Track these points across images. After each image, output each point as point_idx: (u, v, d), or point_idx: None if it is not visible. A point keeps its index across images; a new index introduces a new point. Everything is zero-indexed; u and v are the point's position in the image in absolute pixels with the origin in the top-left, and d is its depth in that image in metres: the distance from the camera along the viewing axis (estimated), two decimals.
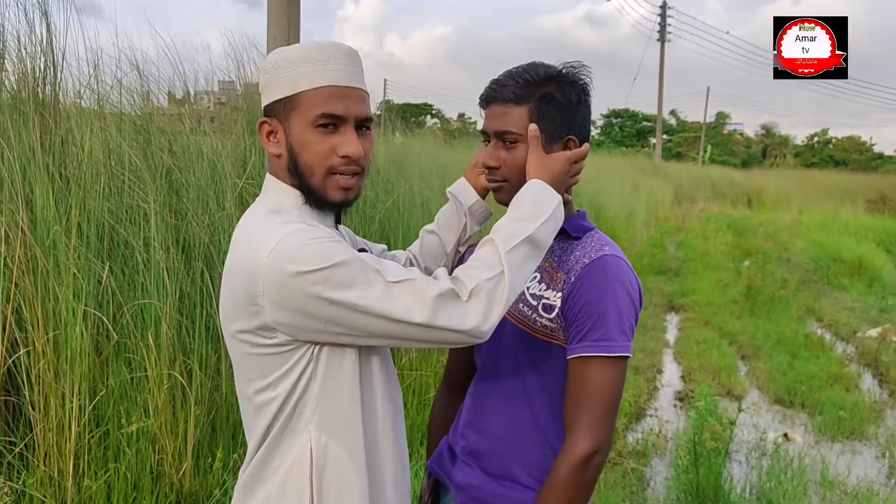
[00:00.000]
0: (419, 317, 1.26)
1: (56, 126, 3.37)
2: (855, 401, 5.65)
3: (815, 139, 65.01)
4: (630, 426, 5.11)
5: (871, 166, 52.46)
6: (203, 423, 3.20)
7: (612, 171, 17.60)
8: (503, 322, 1.59)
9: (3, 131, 3.07)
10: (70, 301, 2.79)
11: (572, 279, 1.50)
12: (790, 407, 5.72)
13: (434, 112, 48.04)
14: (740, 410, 4.69)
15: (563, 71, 1.55)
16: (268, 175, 1.45)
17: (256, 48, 5.08)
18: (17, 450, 2.71)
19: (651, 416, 5.43)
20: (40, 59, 3.44)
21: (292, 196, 1.41)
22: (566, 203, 1.60)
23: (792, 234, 16.43)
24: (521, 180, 1.52)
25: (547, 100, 1.52)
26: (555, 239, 1.59)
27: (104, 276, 3.01)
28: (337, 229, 1.48)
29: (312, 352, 1.32)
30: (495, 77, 1.57)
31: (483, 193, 1.73)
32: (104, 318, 2.94)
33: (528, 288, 1.57)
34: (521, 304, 1.57)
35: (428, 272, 1.38)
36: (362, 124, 1.39)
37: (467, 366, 1.77)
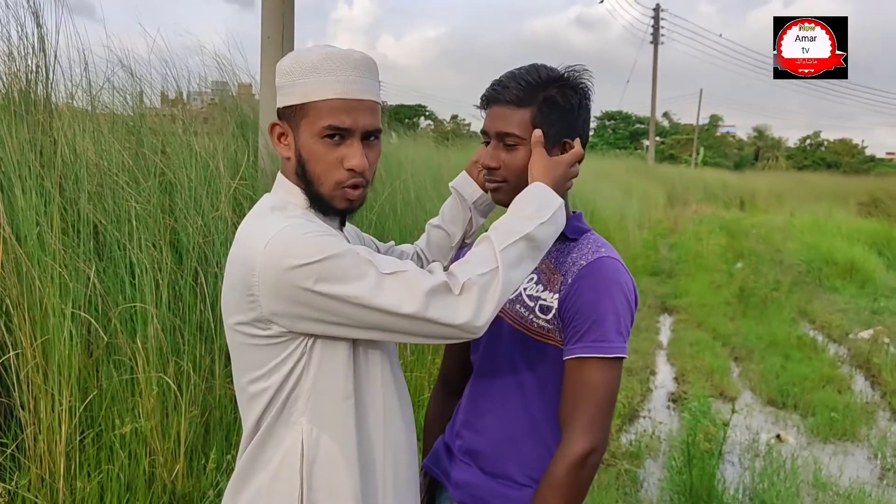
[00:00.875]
0: (410, 308, 1.27)
1: (48, 126, 3.35)
2: (847, 402, 5.67)
3: (808, 141, 65.30)
4: (623, 427, 5.12)
5: (862, 169, 52.66)
6: (196, 424, 3.19)
7: (605, 173, 17.62)
8: (500, 322, 1.60)
9: None
10: (57, 303, 2.77)
11: (569, 281, 1.51)
12: (783, 408, 5.74)
13: (428, 113, 48.05)
14: (734, 412, 4.71)
15: (566, 74, 1.55)
16: (279, 174, 1.49)
17: (250, 48, 5.08)
18: (9, 451, 2.69)
19: (644, 417, 5.44)
20: (32, 58, 3.42)
21: (298, 196, 1.44)
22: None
23: (784, 236, 16.48)
24: (520, 182, 1.52)
25: (549, 103, 1.53)
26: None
27: (92, 278, 2.99)
28: (342, 231, 1.50)
29: (306, 345, 1.34)
30: (497, 78, 1.58)
31: (486, 188, 1.73)
32: (92, 320, 2.93)
33: (524, 289, 1.58)
34: (517, 305, 1.58)
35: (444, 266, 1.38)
36: (370, 135, 1.41)
37: (463, 365, 1.77)
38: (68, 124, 3.55)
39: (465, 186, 1.76)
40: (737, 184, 34.40)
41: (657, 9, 35.83)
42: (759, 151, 62.93)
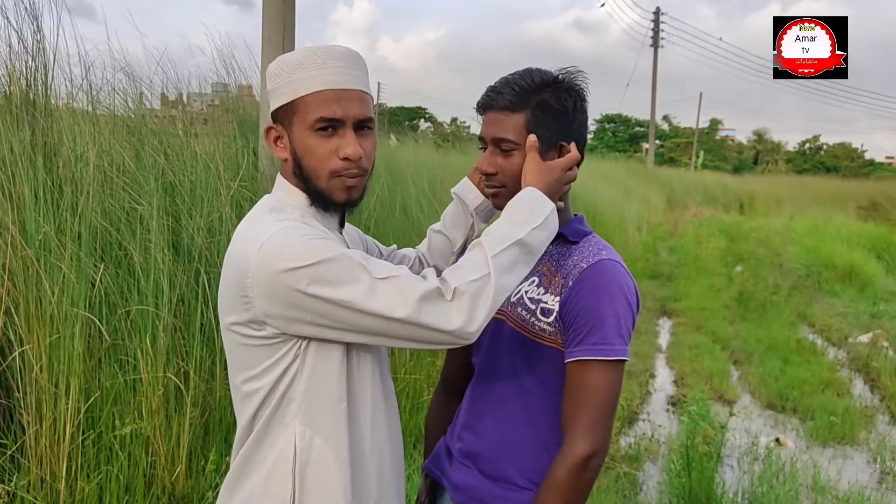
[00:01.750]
0: (402, 313, 1.27)
1: (48, 127, 3.35)
2: (846, 406, 5.67)
3: (807, 145, 65.31)
4: (623, 430, 5.12)
5: (862, 173, 52.70)
6: (196, 425, 3.19)
7: (604, 176, 17.63)
8: (501, 325, 1.60)
9: None
10: (63, 303, 2.78)
11: (570, 283, 1.51)
12: (782, 412, 5.74)
13: (427, 116, 48.07)
14: (731, 414, 4.71)
15: (560, 77, 1.56)
16: (278, 176, 1.49)
17: (250, 49, 5.09)
18: (10, 452, 2.69)
19: (644, 420, 5.43)
20: (31, 60, 3.42)
21: (297, 197, 1.44)
22: (561, 209, 1.60)
23: (784, 239, 16.49)
24: (518, 187, 1.53)
25: (543, 107, 1.53)
26: (552, 243, 1.60)
27: (97, 279, 3.00)
28: (341, 233, 1.50)
29: (300, 347, 1.35)
30: (492, 84, 1.58)
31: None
32: (97, 321, 2.93)
33: (525, 292, 1.58)
34: (519, 308, 1.58)
35: (438, 271, 1.38)
36: (363, 125, 1.41)
37: (464, 368, 1.77)
38: (68, 126, 3.55)
39: (467, 192, 1.76)
40: (736, 187, 34.41)
41: (657, 12, 35.87)
42: (758, 155, 62.94)
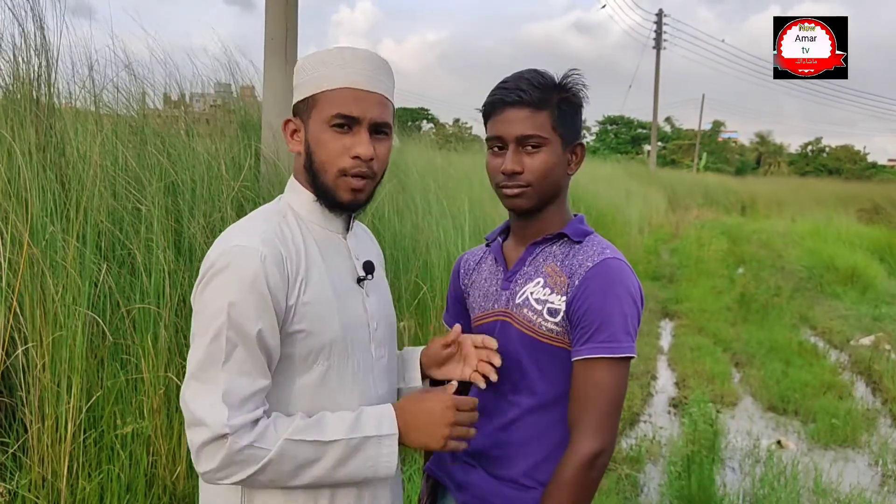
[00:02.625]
0: (189, 416, 1.29)
1: (51, 127, 3.36)
2: (848, 409, 5.66)
3: (809, 148, 65.24)
4: (624, 432, 5.12)
5: (864, 175, 52.66)
6: None
7: (606, 178, 17.64)
8: (507, 327, 1.61)
9: None
10: (68, 302, 2.78)
11: (576, 283, 1.52)
12: (783, 414, 5.73)
13: (430, 117, 48.05)
14: (718, 412, 4.68)
15: (569, 78, 1.58)
16: (290, 177, 1.50)
17: (251, 50, 5.09)
18: (12, 451, 2.69)
19: (645, 421, 5.43)
20: (34, 59, 3.43)
21: (304, 196, 1.45)
22: (561, 212, 1.61)
23: (786, 241, 16.48)
24: (543, 185, 1.55)
25: (565, 105, 1.56)
26: (557, 243, 1.61)
27: (101, 278, 3.00)
28: (345, 237, 1.50)
29: None
30: (503, 82, 1.58)
31: (440, 364, 1.63)
32: (100, 320, 2.93)
33: (531, 293, 1.59)
34: (525, 309, 1.58)
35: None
36: (379, 129, 1.41)
37: None
38: (71, 125, 3.56)
39: (410, 370, 1.66)
40: (738, 189, 34.40)
41: (660, 14, 35.87)
42: (760, 157, 62.89)
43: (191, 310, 1.35)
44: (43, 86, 3.46)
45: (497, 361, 1.53)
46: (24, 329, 2.74)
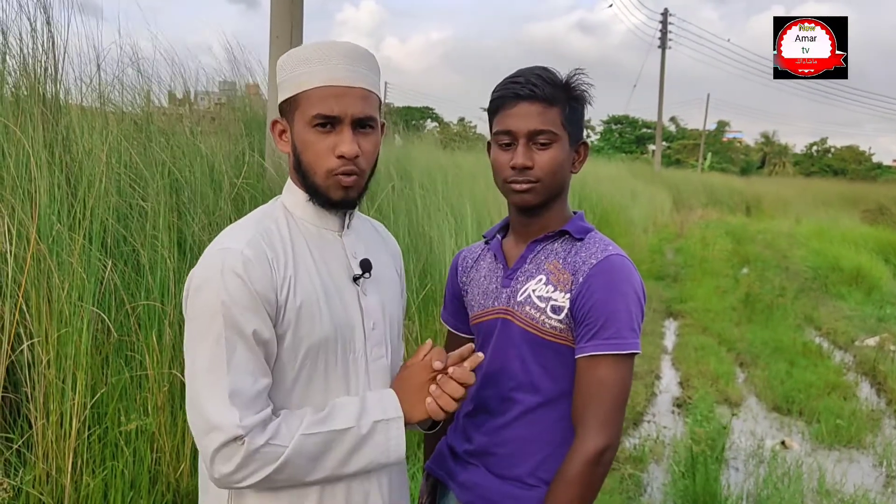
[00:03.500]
0: (199, 421, 1.29)
1: (57, 124, 3.37)
2: (852, 409, 5.65)
3: (814, 148, 65.09)
4: (628, 431, 5.11)
5: (869, 176, 52.52)
6: None
7: (611, 177, 17.62)
8: (508, 325, 1.60)
9: (5, 128, 3.07)
10: (74, 299, 2.78)
11: (580, 280, 1.51)
12: (787, 414, 5.72)
13: (434, 116, 48.04)
14: (733, 415, 4.70)
15: (576, 77, 1.58)
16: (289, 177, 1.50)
17: (256, 48, 5.09)
18: (16, 447, 2.70)
19: (649, 421, 5.42)
20: (42, 56, 3.44)
21: (298, 195, 1.45)
22: (563, 210, 1.62)
23: (790, 242, 16.45)
24: (551, 182, 1.55)
25: (575, 102, 1.57)
26: (558, 241, 1.61)
27: (106, 275, 3.01)
28: (341, 235, 1.48)
29: None
30: (513, 77, 1.58)
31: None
32: (105, 317, 2.94)
33: (534, 290, 1.58)
34: (527, 307, 1.58)
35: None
36: (363, 124, 1.39)
37: None
38: (77, 122, 3.56)
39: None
40: (743, 189, 34.34)
41: (665, 13, 35.81)
42: (765, 157, 62.75)
43: None
44: (49, 82, 3.47)
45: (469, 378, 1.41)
46: (29, 325, 2.74)
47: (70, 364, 2.75)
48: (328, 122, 1.36)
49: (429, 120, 44.87)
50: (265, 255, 1.34)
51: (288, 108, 1.41)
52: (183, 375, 3.04)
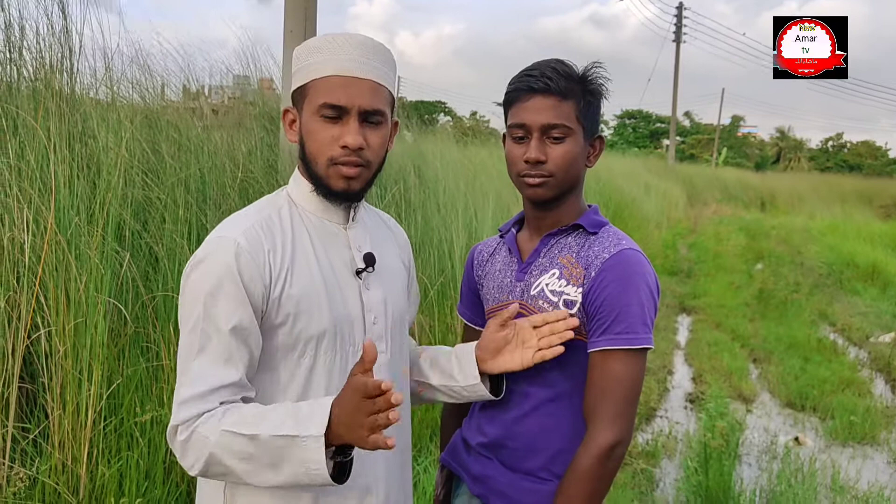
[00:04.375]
0: (178, 397, 1.31)
1: (72, 117, 3.39)
2: (867, 406, 5.62)
3: (830, 143, 64.54)
4: (640, 427, 5.10)
5: (885, 171, 52.04)
6: None
7: (624, 172, 17.54)
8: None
9: (23, 121, 3.10)
10: (91, 290, 2.80)
11: (593, 274, 1.51)
12: (801, 411, 5.69)
13: (447, 110, 47.97)
14: (748, 411, 4.68)
15: (593, 71, 1.57)
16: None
17: (270, 42, 5.11)
18: (32, 436, 2.73)
19: (661, 417, 5.42)
20: (57, 49, 3.46)
21: (303, 185, 1.44)
22: (577, 203, 1.61)
23: (805, 237, 16.34)
24: (565, 176, 1.55)
25: (591, 96, 1.56)
26: (572, 235, 1.60)
27: (123, 266, 3.03)
28: (345, 228, 1.46)
29: None
30: (527, 70, 1.57)
31: (494, 353, 1.58)
32: (122, 308, 2.96)
33: (546, 284, 1.58)
34: (540, 301, 1.57)
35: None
36: (371, 116, 1.37)
37: None
38: (91, 115, 3.59)
39: (466, 365, 1.61)
40: (758, 185, 34.10)
41: (680, 6, 35.58)
42: (780, 152, 62.29)
43: None
44: (66, 75, 3.49)
45: (574, 322, 1.49)
46: (47, 316, 2.77)
47: (86, 355, 2.77)
48: (335, 112, 1.35)
49: (442, 114, 44.80)
50: (261, 245, 1.34)
51: (298, 97, 1.41)
52: None
